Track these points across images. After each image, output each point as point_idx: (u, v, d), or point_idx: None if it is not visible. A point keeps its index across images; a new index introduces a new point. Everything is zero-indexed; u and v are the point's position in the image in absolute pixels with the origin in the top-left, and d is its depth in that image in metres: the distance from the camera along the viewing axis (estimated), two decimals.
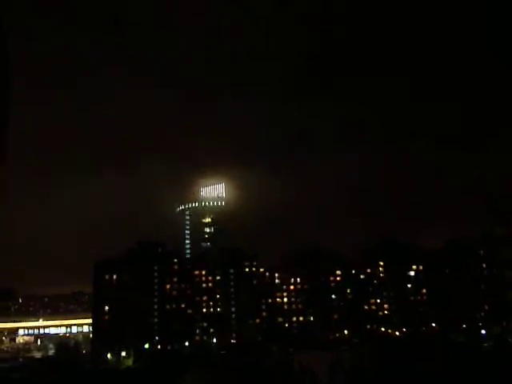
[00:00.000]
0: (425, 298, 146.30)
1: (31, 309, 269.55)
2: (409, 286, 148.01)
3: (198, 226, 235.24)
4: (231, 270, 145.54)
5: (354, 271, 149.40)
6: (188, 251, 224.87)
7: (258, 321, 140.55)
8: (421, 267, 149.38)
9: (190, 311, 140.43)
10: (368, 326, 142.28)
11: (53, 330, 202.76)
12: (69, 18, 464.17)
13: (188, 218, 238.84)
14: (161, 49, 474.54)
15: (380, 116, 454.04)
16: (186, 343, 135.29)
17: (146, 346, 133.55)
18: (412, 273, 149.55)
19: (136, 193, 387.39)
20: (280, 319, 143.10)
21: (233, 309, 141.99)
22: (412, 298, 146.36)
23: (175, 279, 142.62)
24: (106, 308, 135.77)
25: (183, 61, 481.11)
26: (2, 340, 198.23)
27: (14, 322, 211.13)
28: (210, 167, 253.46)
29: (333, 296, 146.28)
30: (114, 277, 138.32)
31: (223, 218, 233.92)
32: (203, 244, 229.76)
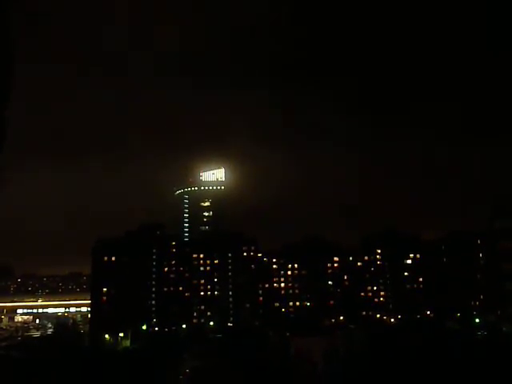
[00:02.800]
0: (421, 286, 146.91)
1: (30, 288, 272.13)
2: (406, 274, 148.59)
3: (196, 210, 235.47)
4: (229, 254, 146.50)
5: (351, 258, 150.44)
6: (187, 235, 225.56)
7: (255, 305, 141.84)
8: (418, 256, 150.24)
9: (187, 294, 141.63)
10: (364, 313, 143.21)
11: (51, 310, 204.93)
12: None
13: (187, 201, 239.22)
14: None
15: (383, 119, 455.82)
16: (184, 325, 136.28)
17: (144, 327, 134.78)
18: (409, 261, 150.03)
19: (135, 177, 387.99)
20: (277, 304, 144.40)
21: (230, 292, 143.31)
22: (408, 285, 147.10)
23: (173, 262, 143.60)
24: (105, 289, 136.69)
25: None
26: (1, 319, 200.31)
27: (13, 301, 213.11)
28: (210, 152, 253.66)
29: (330, 282, 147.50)
30: (113, 258, 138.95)
31: (222, 202, 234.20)
32: (202, 228, 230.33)
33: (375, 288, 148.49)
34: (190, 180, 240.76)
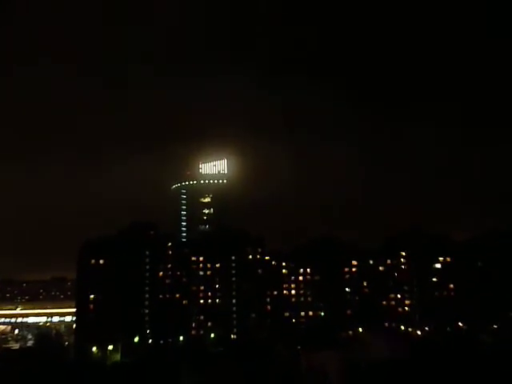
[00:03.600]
0: (452, 293, 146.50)
1: (8, 295, 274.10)
2: (434, 279, 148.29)
3: (195, 207, 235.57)
4: (233, 257, 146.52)
5: (371, 262, 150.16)
6: (184, 234, 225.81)
7: (261, 315, 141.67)
8: (448, 259, 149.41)
9: (185, 302, 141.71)
10: (386, 324, 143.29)
11: (32, 319, 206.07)
12: None
13: (185, 197, 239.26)
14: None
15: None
16: (181, 338, 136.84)
17: (136, 339, 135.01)
18: (438, 265, 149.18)
19: (127, 171, 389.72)
20: (287, 314, 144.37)
21: (234, 301, 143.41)
22: (437, 293, 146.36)
23: (169, 265, 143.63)
24: (92, 296, 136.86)
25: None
26: None
27: None
28: (211, 141, 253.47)
29: (347, 289, 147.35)
30: (101, 262, 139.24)
31: (224, 197, 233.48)
32: (201, 227, 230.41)
33: (399, 296, 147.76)
34: (188, 173, 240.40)
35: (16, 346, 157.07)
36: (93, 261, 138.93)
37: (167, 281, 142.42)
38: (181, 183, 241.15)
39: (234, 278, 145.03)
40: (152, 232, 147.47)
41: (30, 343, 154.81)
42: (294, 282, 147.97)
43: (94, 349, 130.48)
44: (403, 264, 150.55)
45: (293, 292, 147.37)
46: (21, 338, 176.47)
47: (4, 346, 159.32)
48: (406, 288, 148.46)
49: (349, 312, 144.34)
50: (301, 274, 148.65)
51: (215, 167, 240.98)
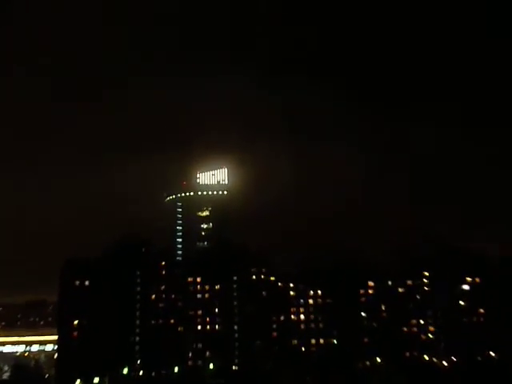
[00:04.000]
0: (482, 319, 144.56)
1: None
2: (462, 303, 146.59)
3: (192, 221, 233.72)
4: (234, 278, 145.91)
5: (390, 283, 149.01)
6: (180, 252, 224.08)
7: (267, 342, 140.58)
8: (478, 280, 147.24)
9: (180, 328, 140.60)
10: (407, 353, 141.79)
11: (8, 348, 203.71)
12: None
13: (180, 210, 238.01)
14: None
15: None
16: (176, 369, 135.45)
17: (125, 370, 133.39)
18: (467, 287, 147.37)
19: (116, 182, 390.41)
20: (295, 341, 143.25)
21: (235, 327, 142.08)
22: (465, 318, 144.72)
23: (163, 287, 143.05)
24: (76, 322, 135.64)
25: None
26: None
27: None
28: (210, 147, 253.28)
29: (363, 314, 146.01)
30: (86, 283, 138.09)
31: (225, 210, 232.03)
32: (199, 243, 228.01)
33: (422, 321, 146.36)
34: (184, 183, 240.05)
35: None
36: (77, 282, 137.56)
37: (160, 304, 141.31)
38: (176, 195, 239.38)
39: (235, 302, 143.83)
40: (143, 249, 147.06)
41: (5, 376, 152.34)
42: (303, 305, 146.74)
43: (78, 382, 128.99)
44: (426, 285, 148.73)
45: (302, 317, 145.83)
46: None
47: None
48: (429, 313, 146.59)
49: (365, 339, 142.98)
50: (311, 297, 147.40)
51: (214, 177, 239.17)
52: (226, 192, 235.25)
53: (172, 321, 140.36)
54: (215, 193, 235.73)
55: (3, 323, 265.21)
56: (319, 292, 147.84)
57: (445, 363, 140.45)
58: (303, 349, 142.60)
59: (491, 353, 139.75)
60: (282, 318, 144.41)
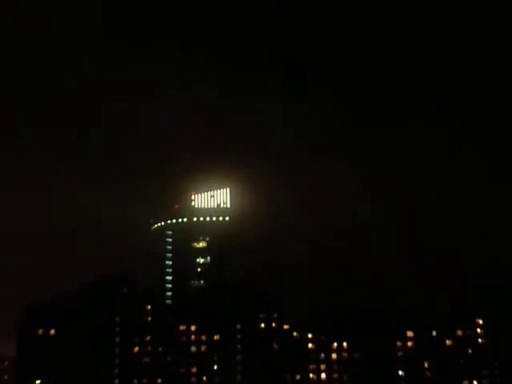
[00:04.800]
0: None
1: None
2: None
3: (186, 254, 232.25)
4: (238, 326, 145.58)
5: (435, 333, 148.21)
6: (169, 293, 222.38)
7: None
8: None
9: None
10: None
11: None
12: None
13: (170, 240, 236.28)
14: None
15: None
16: None
17: None
18: None
19: (94, 204, 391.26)
20: None
21: None
22: None
23: (148, 338, 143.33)
24: (38, 382, 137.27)
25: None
26: None
27: None
28: (208, 161, 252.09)
29: (400, 372, 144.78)
30: (52, 332, 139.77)
31: (225, 241, 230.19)
32: (193, 282, 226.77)
33: (475, 382, 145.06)
34: (177, 206, 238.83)
35: None
36: (40, 331, 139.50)
37: (145, 359, 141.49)
38: (165, 221, 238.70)
39: (239, 356, 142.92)
40: (125, 290, 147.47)
41: None
42: (324, 360, 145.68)
43: None
44: (480, 337, 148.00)
45: (323, 376, 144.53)
46: None
47: None
48: (485, 372, 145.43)
49: None
50: (334, 350, 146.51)
51: (214, 199, 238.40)
52: (227, 218, 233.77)
53: (159, 380, 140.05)
54: (214, 219, 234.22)
55: None
56: (344, 344, 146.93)
57: None
58: None
59: None
60: (297, 376, 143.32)
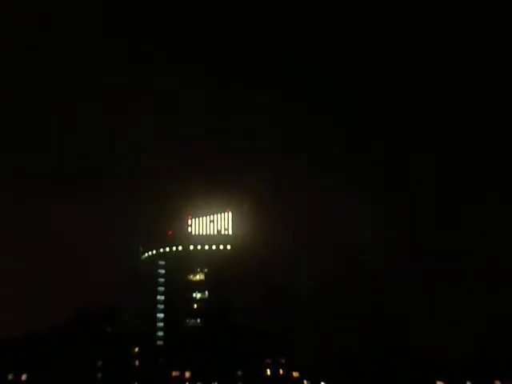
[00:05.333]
0: None
1: None
2: None
3: (180, 287, 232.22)
4: (239, 372, 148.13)
5: None
6: (160, 334, 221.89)
7: None
8: None
9: None
10: None
11: None
12: None
13: (163, 272, 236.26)
14: None
15: None
16: None
17: None
18: None
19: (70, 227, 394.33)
20: None
21: None
22: None
23: None
24: None
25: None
26: None
27: None
28: (207, 187, 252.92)
29: None
30: (23, 377, 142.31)
31: (226, 273, 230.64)
32: (189, 320, 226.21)
33: None
34: (171, 232, 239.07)
35: None
36: (10, 376, 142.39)
37: None
38: (157, 250, 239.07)
39: None
40: (109, 329, 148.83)
41: None
42: None
43: None
44: None
45: None
46: None
47: None
48: None
49: None
50: None
51: (213, 224, 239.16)
52: (229, 246, 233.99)
53: None
54: (214, 247, 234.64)
55: None
56: None
57: None
58: None
59: None
60: None
